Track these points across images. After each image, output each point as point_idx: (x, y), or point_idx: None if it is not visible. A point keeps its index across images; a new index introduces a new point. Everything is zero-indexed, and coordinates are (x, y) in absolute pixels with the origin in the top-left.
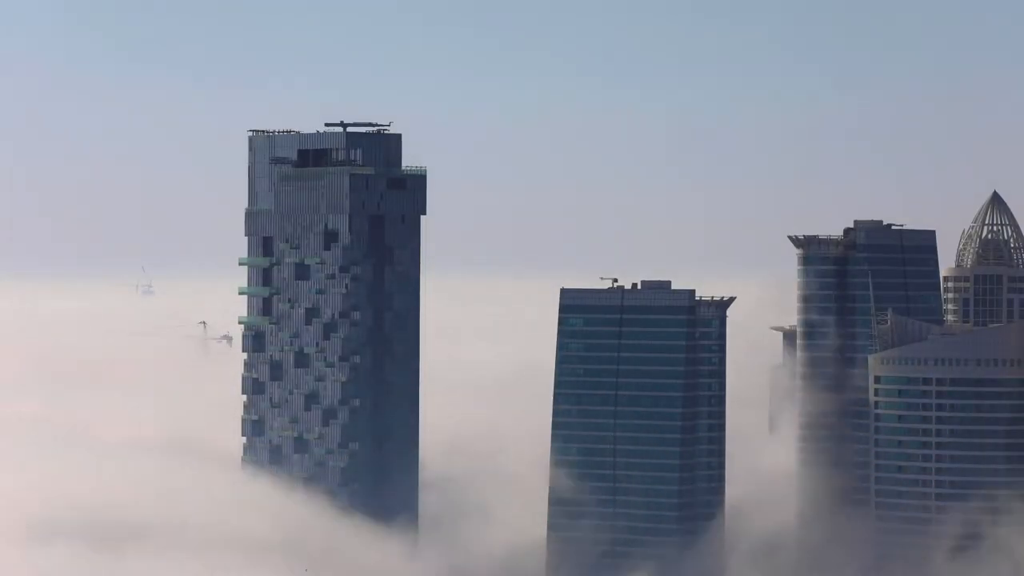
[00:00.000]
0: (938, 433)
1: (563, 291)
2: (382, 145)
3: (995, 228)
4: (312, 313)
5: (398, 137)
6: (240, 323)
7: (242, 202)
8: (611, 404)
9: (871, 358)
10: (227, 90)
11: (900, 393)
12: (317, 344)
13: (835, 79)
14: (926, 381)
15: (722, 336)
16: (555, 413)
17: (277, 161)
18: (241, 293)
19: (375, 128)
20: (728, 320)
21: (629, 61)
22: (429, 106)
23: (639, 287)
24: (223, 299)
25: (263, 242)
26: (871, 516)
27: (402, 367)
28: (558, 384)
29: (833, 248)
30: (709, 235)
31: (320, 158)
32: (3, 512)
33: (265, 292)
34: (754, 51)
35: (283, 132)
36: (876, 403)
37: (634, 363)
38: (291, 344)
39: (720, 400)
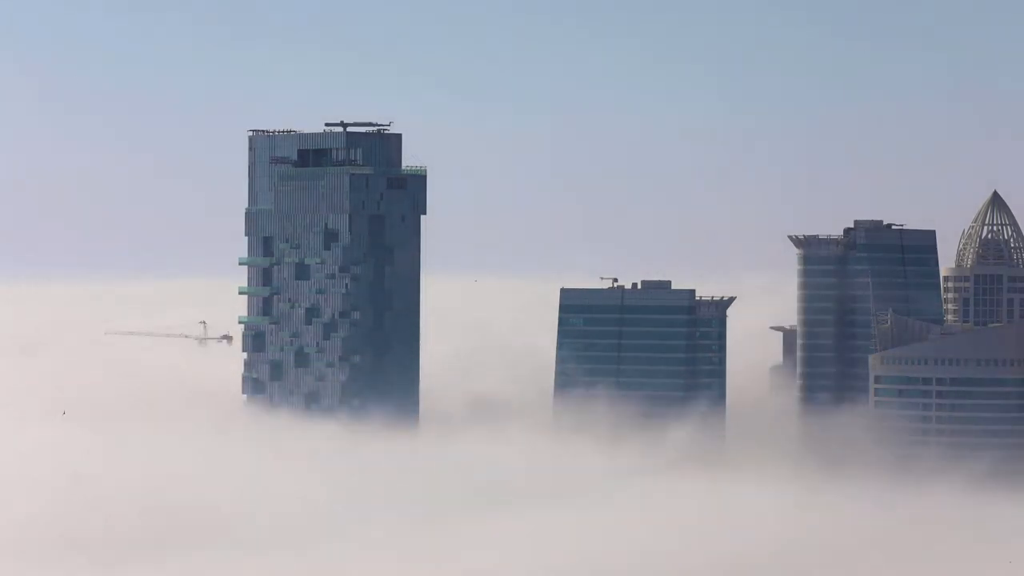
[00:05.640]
0: (938, 433)
1: (563, 291)
2: (382, 145)
3: (995, 228)
4: (312, 313)
5: (398, 137)
6: (240, 323)
7: (242, 202)
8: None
9: (871, 358)
10: (227, 90)
11: (900, 393)
12: (317, 344)
13: (835, 79)
14: (926, 381)
15: (722, 336)
16: (555, 413)
17: (277, 161)
18: (241, 293)
19: (375, 128)
20: (728, 320)
21: (629, 62)
22: (429, 106)
23: (639, 287)
24: (223, 299)
25: (263, 242)
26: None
27: (402, 367)
28: (558, 384)
29: (833, 248)
30: (709, 235)
31: (320, 158)
32: None
33: (265, 292)
34: (754, 51)
35: (283, 132)
36: (876, 403)
37: (634, 363)
38: (291, 344)
39: (720, 400)
